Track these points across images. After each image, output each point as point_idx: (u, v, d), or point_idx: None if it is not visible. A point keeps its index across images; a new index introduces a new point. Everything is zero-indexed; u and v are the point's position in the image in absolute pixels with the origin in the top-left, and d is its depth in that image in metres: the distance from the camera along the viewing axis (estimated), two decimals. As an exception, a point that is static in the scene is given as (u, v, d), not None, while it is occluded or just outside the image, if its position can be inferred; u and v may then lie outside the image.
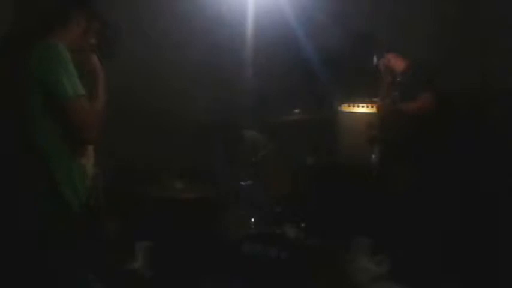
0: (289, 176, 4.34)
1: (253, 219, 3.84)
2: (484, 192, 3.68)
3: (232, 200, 3.88)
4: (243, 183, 4.02)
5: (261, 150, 4.23)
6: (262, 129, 4.41)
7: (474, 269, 3.29)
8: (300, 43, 4.56)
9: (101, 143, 2.17)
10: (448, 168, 3.59)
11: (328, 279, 3.42)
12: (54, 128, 1.92)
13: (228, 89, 4.48)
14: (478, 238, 3.50)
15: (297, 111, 4.29)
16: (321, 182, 4.22)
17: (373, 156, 3.80)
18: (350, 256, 3.69)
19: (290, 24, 4.50)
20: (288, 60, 4.62)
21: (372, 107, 4.14)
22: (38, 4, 2.06)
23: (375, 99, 4.08)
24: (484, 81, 3.99)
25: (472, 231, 3.55)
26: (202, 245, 3.42)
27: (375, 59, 3.83)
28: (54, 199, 1.93)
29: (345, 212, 3.85)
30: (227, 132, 4.40)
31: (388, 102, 3.72)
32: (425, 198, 3.47)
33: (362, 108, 4.23)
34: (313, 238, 3.89)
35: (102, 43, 2.23)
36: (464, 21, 4.06)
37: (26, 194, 1.93)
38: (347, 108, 4.31)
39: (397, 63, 3.72)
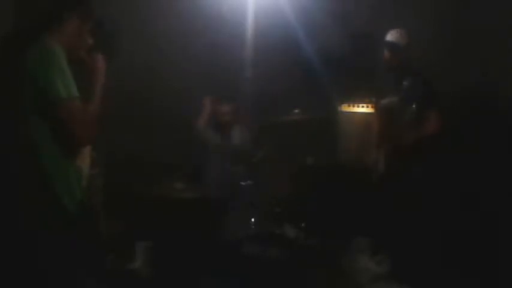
0: (289, 176, 4.34)
1: (253, 219, 3.84)
2: (484, 191, 3.68)
3: (232, 200, 3.88)
4: (243, 183, 4.02)
5: (261, 150, 4.23)
6: (262, 129, 4.41)
7: (474, 269, 3.29)
8: (300, 43, 4.56)
9: (97, 144, 2.17)
10: (447, 167, 3.59)
11: (328, 279, 3.42)
12: (50, 128, 1.91)
13: (228, 89, 4.48)
14: (478, 238, 3.50)
15: (297, 111, 4.29)
16: (321, 182, 4.21)
17: (374, 157, 3.78)
18: (350, 256, 3.69)
19: (290, 24, 4.51)
20: (288, 60, 4.62)
21: (372, 107, 4.14)
22: (34, 5, 2.05)
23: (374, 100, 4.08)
24: (483, 81, 3.99)
25: (472, 231, 3.55)
26: (202, 245, 3.42)
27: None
28: (50, 200, 1.92)
29: (345, 212, 3.84)
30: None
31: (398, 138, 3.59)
32: (425, 198, 3.46)
33: (362, 108, 4.22)
34: (313, 238, 3.90)
35: (100, 42, 2.22)
36: (464, 21, 4.06)
37: (23, 195, 1.93)
38: (347, 108, 4.31)
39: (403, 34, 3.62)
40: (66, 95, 1.88)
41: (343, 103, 4.35)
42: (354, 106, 4.27)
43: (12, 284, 1.94)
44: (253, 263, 3.44)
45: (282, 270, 3.41)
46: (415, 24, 3.77)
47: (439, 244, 3.44)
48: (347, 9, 4.50)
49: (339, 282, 3.45)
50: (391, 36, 3.65)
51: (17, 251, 1.93)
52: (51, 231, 1.93)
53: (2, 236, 1.94)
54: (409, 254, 3.44)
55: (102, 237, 2.63)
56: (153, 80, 4.28)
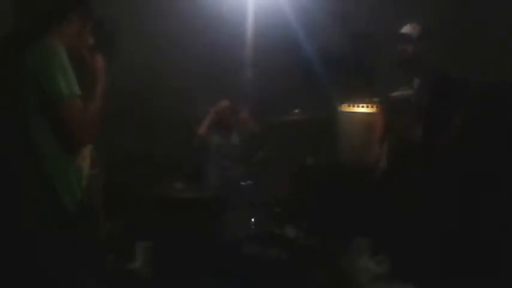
0: (289, 176, 4.34)
1: (253, 219, 3.84)
2: (485, 190, 3.67)
3: (232, 200, 3.88)
4: (243, 183, 4.02)
5: (261, 150, 4.24)
6: (263, 129, 4.41)
7: (474, 269, 3.29)
8: (300, 43, 4.56)
9: (97, 144, 2.17)
10: (447, 167, 3.58)
11: (328, 279, 3.42)
12: (51, 128, 1.91)
13: (228, 89, 4.48)
14: (479, 238, 3.49)
15: (297, 111, 4.30)
16: (321, 182, 4.21)
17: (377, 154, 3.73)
18: (350, 256, 3.68)
19: (290, 24, 4.51)
20: (288, 60, 4.62)
21: (372, 107, 4.14)
22: (34, 5, 2.05)
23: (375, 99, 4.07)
24: (483, 81, 3.98)
25: (473, 231, 3.54)
26: (202, 245, 3.42)
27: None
28: (50, 200, 1.92)
29: (345, 212, 3.84)
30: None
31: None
32: (426, 197, 3.45)
33: (362, 108, 4.23)
34: (313, 238, 3.90)
35: (100, 42, 2.22)
36: (464, 21, 4.06)
37: (22, 195, 1.93)
38: (347, 108, 4.31)
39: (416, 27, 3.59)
40: (68, 92, 1.88)
41: (343, 103, 4.35)
42: (354, 106, 4.27)
43: (12, 284, 1.94)
44: (253, 263, 3.44)
45: (282, 270, 3.41)
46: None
47: (439, 244, 3.43)
48: (347, 9, 4.50)
49: (339, 282, 3.45)
50: (404, 29, 3.61)
51: (16, 251, 1.93)
52: (51, 231, 1.93)
53: (2, 236, 1.94)
54: (409, 254, 3.44)
55: (102, 237, 2.63)
56: (153, 80, 4.29)
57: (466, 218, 3.57)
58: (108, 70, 2.18)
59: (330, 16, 4.43)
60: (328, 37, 4.47)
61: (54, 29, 1.99)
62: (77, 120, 1.92)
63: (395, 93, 3.66)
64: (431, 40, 3.56)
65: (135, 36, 4.06)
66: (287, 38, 4.53)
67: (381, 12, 4.37)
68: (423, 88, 3.51)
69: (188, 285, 3.26)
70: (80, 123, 1.93)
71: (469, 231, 3.53)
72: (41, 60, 1.88)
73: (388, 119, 3.73)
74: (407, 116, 3.54)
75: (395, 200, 3.47)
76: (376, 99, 4.11)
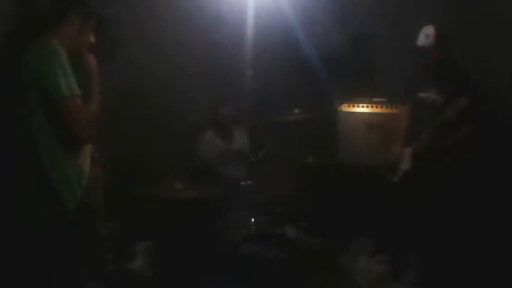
0: (289, 176, 4.34)
1: (253, 219, 3.84)
2: (484, 191, 3.67)
3: (232, 200, 3.88)
4: (243, 183, 4.02)
5: (261, 150, 4.23)
6: (262, 129, 4.41)
7: (475, 270, 3.29)
8: (300, 43, 4.56)
9: (97, 144, 2.17)
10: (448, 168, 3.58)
11: (328, 279, 3.42)
12: (51, 127, 1.92)
13: (228, 89, 4.48)
14: (480, 239, 3.49)
15: (297, 111, 4.29)
16: (321, 182, 4.22)
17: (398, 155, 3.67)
18: (350, 256, 3.69)
19: (290, 24, 4.51)
20: (288, 60, 4.62)
21: (372, 107, 4.14)
22: (34, 5, 2.06)
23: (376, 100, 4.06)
24: (483, 74, 3.97)
25: (473, 232, 3.54)
26: (202, 245, 3.42)
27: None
28: (50, 199, 1.93)
29: (345, 212, 3.85)
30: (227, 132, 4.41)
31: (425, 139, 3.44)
32: (428, 197, 3.45)
33: (362, 108, 4.22)
34: (313, 238, 3.90)
35: (102, 43, 2.23)
36: (464, 20, 4.06)
37: (22, 195, 1.93)
38: (347, 108, 4.31)
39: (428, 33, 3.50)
40: (68, 93, 1.89)
41: (343, 103, 4.35)
42: (354, 106, 4.27)
43: (12, 284, 1.94)
44: (253, 263, 3.44)
45: (282, 270, 3.41)
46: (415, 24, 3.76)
47: (439, 244, 3.43)
48: (347, 9, 4.50)
49: (339, 282, 3.45)
50: (419, 40, 3.46)
51: (17, 251, 1.93)
52: (51, 231, 1.93)
53: (2, 236, 1.94)
54: (409, 254, 3.44)
55: (102, 237, 2.63)
56: (153, 80, 4.29)
57: (467, 218, 3.57)
58: (108, 70, 2.19)
59: (330, 16, 4.43)
60: (328, 37, 4.47)
61: (54, 29, 1.99)
62: (77, 120, 1.92)
63: (422, 95, 3.57)
64: (449, 46, 3.50)
65: (135, 36, 4.06)
66: (287, 38, 4.53)
67: (381, 12, 4.37)
68: (443, 91, 3.44)
69: (188, 285, 3.26)
70: (80, 123, 1.93)
71: (471, 232, 3.52)
72: (42, 61, 1.88)
73: (414, 120, 3.62)
74: (432, 118, 3.45)
75: (407, 200, 3.41)
76: (375, 99, 4.12)
